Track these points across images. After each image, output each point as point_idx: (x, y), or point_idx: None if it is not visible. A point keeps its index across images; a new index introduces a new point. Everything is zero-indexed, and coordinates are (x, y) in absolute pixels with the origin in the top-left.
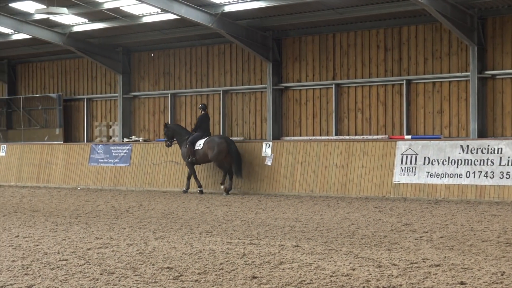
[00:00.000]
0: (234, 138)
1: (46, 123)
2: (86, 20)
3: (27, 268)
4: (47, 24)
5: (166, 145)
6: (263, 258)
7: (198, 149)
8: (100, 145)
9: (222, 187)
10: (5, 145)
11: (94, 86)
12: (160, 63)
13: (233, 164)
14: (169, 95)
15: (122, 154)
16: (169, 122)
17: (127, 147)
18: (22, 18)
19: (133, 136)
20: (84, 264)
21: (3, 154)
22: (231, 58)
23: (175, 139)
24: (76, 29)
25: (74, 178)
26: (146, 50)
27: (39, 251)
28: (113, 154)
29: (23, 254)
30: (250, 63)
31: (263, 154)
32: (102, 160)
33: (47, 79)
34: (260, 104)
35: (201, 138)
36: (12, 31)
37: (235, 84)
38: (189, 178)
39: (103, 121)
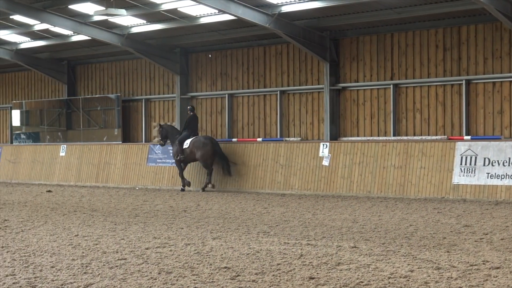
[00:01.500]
0: (291, 139)
1: (105, 123)
2: (144, 21)
3: (86, 267)
4: (106, 25)
5: (160, 144)
6: (320, 259)
7: (185, 148)
8: (158, 146)
9: (209, 185)
10: (65, 145)
11: (152, 87)
12: (218, 63)
13: (221, 165)
14: (226, 95)
15: None
16: (165, 123)
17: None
18: (81, 19)
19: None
20: (142, 263)
21: (63, 154)
22: (288, 58)
23: (168, 140)
24: (134, 30)
25: (133, 178)
26: (203, 51)
27: (98, 250)
28: (171, 154)
29: (83, 253)
30: (307, 63)
31: (320, 155)
32: (160, 160)
33: (105, 80)
34: (317, 104)
35: (189, 137)
36: (72, 32)
37: (292, 85)
38: (182, 176)
39: (161, 122)
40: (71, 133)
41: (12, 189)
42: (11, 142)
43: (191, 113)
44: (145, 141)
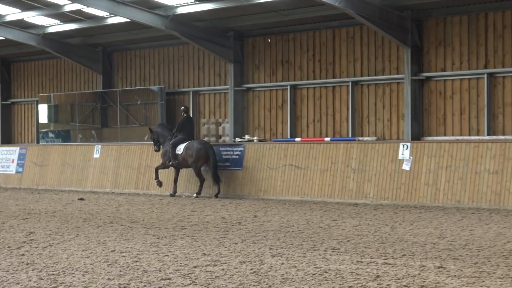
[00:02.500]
0: (365, 138)
1: (146, 120)
2: (192, 0)
3: (125, 287)
4: (147, 5)
5: (154, 150)
6: (400, 281)
7: (178, 154)
8: None
9: (194, 195)
10: (99, 146)
11: (201, 77)
12: (278, 49)
13: (209, 169)
14: (288, 87)
15: (233, 156)
16: (155, 126)
17: (240, 149)
18: None
19: (246, 136)
20: (190, 284)
21: (98, 156)
22: (361, 43)
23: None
24: (180, 10)
25: (179, 183)
26: (261, 35)
27: (138, 268)
28: (223, 157)
29: (120, 271)
30: (385, 49)
31: (399, 157)
32: None
33: (147, 69)
34: (396, 97)
35: (183, 142)
36: (108, 14)
37: (366, 74)
38: (175, 181)
39: (211, 118)
40: (107, 132)
41: (39, 197)
42: (38, 142)
43: (185, 115)
44: None
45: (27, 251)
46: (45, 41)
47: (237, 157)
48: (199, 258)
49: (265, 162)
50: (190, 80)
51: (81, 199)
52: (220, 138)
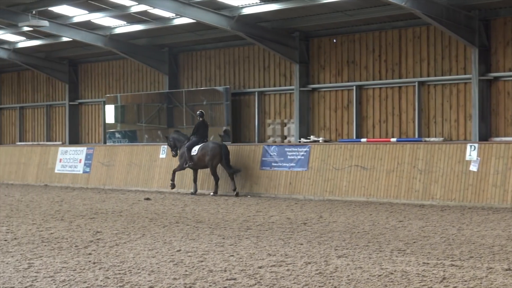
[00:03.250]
0: (432, 139)
1: (212, 120)
2: (258, 1)
3: (190, 287)
4: (213, 6)
5: (172, 155)
6: (467, 283)
7: (193, 155)
8: (274, 147)
9: (211, 194)
10: (165, 146)
11: (266, 78)
12: (344, 50)
13: (224, 167)
14: (354, 87)
15: (298, 157)
16: (171, 133)
17: (305, 149)
18: (185, 0)
19: (311, 136)
20: (255, 284)
21: (164, 156)
22: (428, 43)
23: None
24: (246, 11)
25: (244, 184)
26: (327, 35)
27: (203, 268)
28: (289, 157)
29: (186, 271)
30: (451, 49)
31: (467, 158)
32: (275, 164)
33: (212, 69)
34: (463, 98)
35: (197, 144)
36: (174, 14)
37: (433, 74)
38: (195, 180)
39: (276, 119)
40: (173, 132)
41: (106, 196)
42: (104, 142)
43: (200, 119)
44: (258, 141)
45: (94, 250)
46: (112, 42)
47: (303, 157)
48: (264, 259)
49: (330, 163)
50: (256, 80)
51: (147, 199)
52: (285, 138)
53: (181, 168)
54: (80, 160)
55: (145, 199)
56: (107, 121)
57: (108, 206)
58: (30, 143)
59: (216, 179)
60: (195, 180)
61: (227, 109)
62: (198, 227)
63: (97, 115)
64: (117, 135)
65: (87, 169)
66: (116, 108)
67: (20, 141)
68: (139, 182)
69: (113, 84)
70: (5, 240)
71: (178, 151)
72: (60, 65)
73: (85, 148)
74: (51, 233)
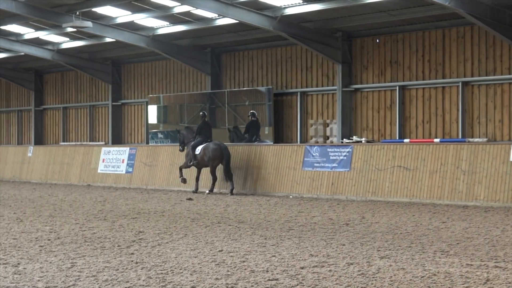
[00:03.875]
0: (476, 139)
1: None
2: (300, 1)
3: (232, 287)
4: (255, 6)
5: (179, 150)
6: (511, 285)
7: (197, 154)
8: (316, 147)
9: (206, 192)
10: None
11: (309, 78)
12: (387, 50)
13: (223, 169)
14: (397, 87)
15: (341, 157)
16: (183, 128)
17: (347, 149)
18: (228, 0)
19: (354, 137)
20: (297, 285)
21: None
22: (472, 43)
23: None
24: (288, 11)
25: (286, 184)
26: (369, 35)
27: (245, 269)
28: (331, 158)
29: (228, 271)
30: (496, 48)
31: (511, 159)
32: (318, 164)
33: (255, 70)
34: (507, 98)
35: (201, 144)
36: (216, 15)
37: (477, 75)
38: (197, 179)
39: (319, 119)
40: (215, 132)
41: (148, 196)
42: (147, 143)
43: (204, 119)
44: (300, 142)
45: (137, 250)
46: (155, 42)
47: (345, 158)
48: (306, 259)
49: (373, 163)
50: (298, 80)
51: (190, 199)
52: (328, 139)
53: (186, 165)
54: (123, 160)
55: (187, 199)
56: (149, 122)
57: (150, 206)
58: (73, 143)
59: (214, 178)
60: (197, 179)
61: (269, 109)
62: (240, 227)
63: (139, 116)
64: (160, 135)
65: (130, 169)
66: (158, 108)
67: (63, 141)
68: (181, 182)
69: (156, 85)
70: (49, 240)
71: (186, 148)
72: (103, 65)
73: (128, 148)
74: (94, 232)
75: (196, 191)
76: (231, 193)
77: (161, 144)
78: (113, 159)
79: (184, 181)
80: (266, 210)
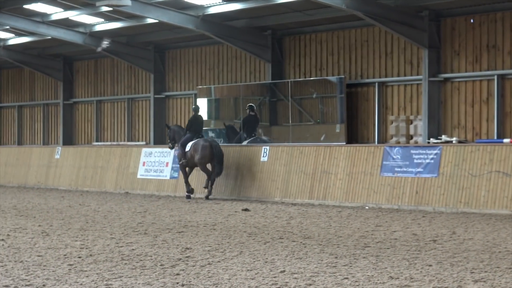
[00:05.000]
0: None
1: (323, 116)
2: None
3: None
4: None
5: (169, 147)
6: None
7: (187, 151)
8: (397, 148)
9: (206, 190)
10: (267, 147)
11: (388, 66)
12: (483, 32)
13: (214, 165)
14: (495, 77)
15: (427, 160)
16: (173, 125)
17: (435, 151)
18: None
19: (443, 136)
20: None
21: (265, 159)
22: None
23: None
24: None
25: (361, 193)
26: (462, 14)
27: None
28: (415, 161)
29: None
30: None
31: None
32: (399, 169)
33: (324, 56)
34: None
35: (191, 140)
36: None
37: None
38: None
39: (401, 115)
40: (277, 131)
41: (197, 207)
42: None
43: (194, 113)
44: (378, 142)
45: (183, 270)
46: (205, 24)
47: (432, 161)
48: (385, 282)
49: (466, 168)
50: (376, 69)
51: (246, 209)
52: (412, 138)
53: (182, 171)
54: (167, 163)
55: (243, 209)
56: None
57: (200, 218)
58: (109, 143)
59: (208, 173)
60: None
61: (341, 103)
62: (306, 244)
63: (187, 110)
64: (211, 133)
65: (175, 174)
66: (209, 102)
67: (97, 141)
68: (235, 189)
69: (206, 74)
70: (79, 257)
71: (176, 145)
72: (144, 51)
73: (173, 149)
74: (133, 249)
75: (190, 191)
76: (206, 198)
77: None
78: (155, 162)
79: (191, 191)
80: (337, 223)
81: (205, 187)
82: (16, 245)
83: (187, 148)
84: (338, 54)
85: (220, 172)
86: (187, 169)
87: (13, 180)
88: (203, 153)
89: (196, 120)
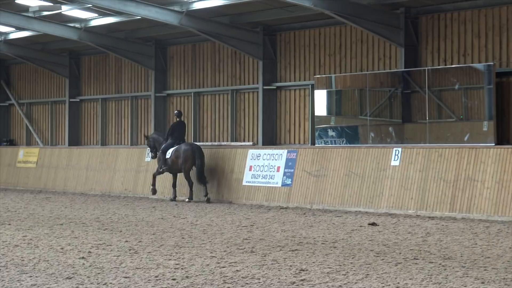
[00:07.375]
0: None
1: (467, 112)
2: None
3: None
4: None
5: (151, 157)
6: None
7: (168, 158)
8: None
9: (186, 200)
10: (399, 149)
11: None
12: None
13: (196, 172)
14: None
15: None
16: (149, 133)
17: None
18: None
19: None
20: None
21: (397, 163)
22: None
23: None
24: None
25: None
26: None
27: None
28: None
29: None
30: None
31: None
32: None
33: (468, 38)
34: None
35: (172, 146)
36: None
37: None
38: (174, 185)
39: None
40: (411, 129)
41: (314, 220)
42: (313, 143)
43: (178, 119)
44: None
45: None
46: (324, 1)
47: None
48: None
49: None
50: None
51: (373, 224)
52: None
53: (158, 172)
54: (279, 168)
55: (369, 224)
56: (316, 113)
57: (317, 234)
58: (209, 143)
59: (190, 183)
60: (174, 185)
61: (489, 95)
62: (446, 265)
63: (302, 104)
64: (331, 133)
65: (288, 181)
66: (329, 94)
67: (195, 140)
68: (361, 199)
69: (325, 61)
70: (173, 279)
71: (158, 153)
72: (250, 34)
73: (285, 151)
74: (237, 270)
75: (174, 199)
76: (207, 201)
77: (333, 146)
78: (264, 167)
79: (154, 191)
80: (484, 241)
81: (189, 199)
82: (99, 264)
83: (168, 155)
84: (486, 37)
85: (202, 167)
86: (172, 175)
87: (96, 187)
88: (185, 156)
89: (178, 126)
